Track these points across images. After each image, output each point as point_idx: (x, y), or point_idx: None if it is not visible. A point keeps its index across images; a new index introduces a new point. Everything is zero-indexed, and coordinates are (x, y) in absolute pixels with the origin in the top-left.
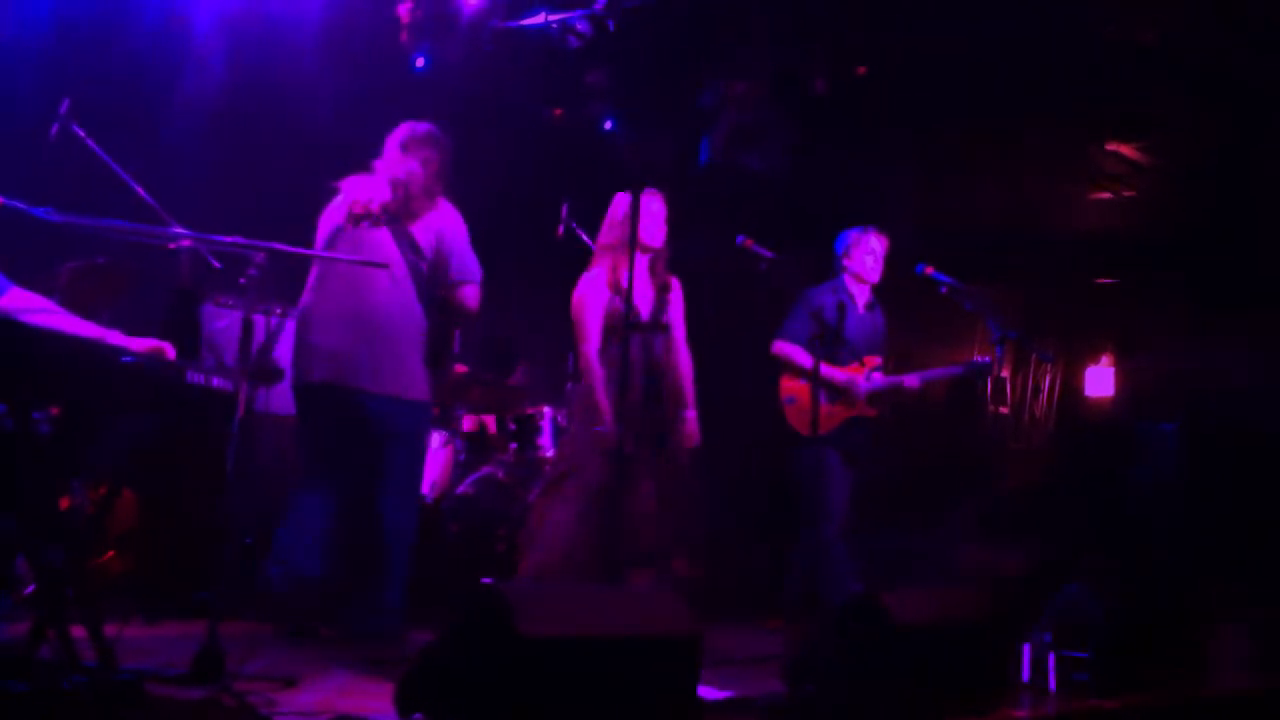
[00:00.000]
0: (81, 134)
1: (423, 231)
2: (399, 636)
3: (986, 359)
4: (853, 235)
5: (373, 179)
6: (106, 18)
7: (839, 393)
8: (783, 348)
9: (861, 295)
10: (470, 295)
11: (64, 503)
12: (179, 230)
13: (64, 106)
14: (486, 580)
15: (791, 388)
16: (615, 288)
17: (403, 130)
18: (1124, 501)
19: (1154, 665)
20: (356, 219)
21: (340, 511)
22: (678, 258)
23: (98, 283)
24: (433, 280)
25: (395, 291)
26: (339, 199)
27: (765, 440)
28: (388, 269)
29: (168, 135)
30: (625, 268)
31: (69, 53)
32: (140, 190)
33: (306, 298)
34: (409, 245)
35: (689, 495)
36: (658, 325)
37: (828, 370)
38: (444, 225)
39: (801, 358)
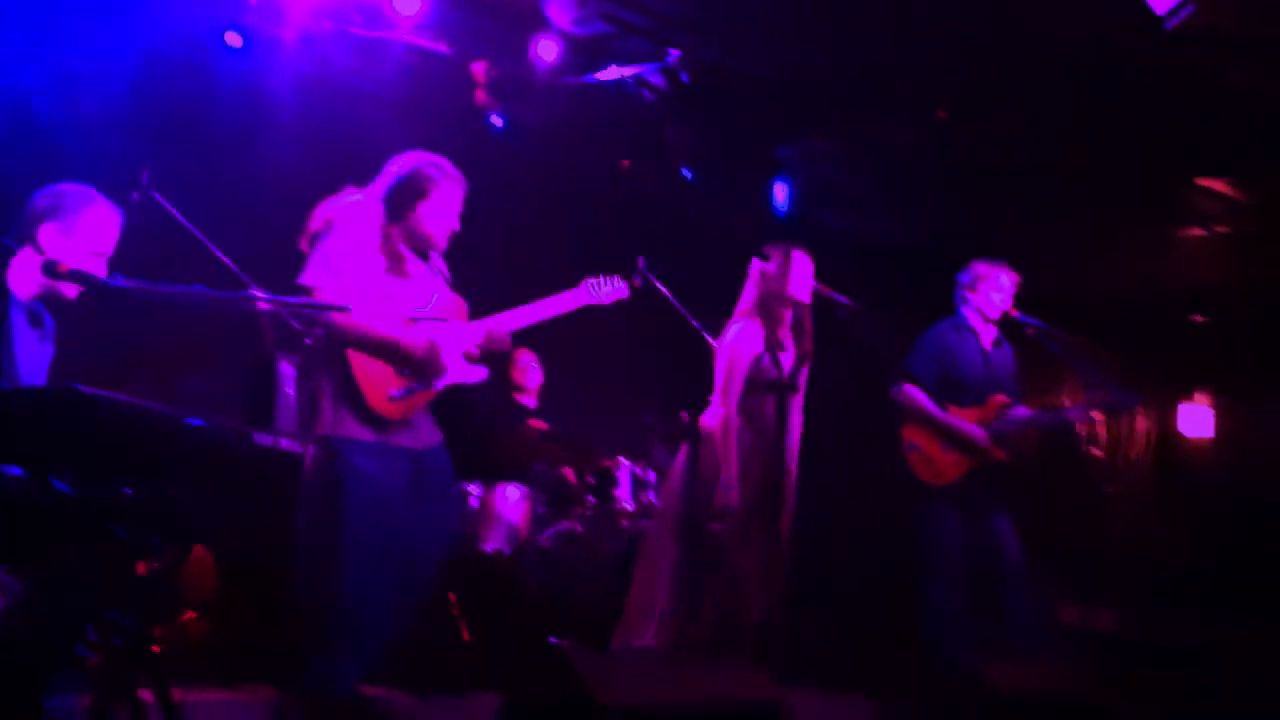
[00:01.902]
0: (163, 201)
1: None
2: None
3: (1129, 394)
4: (981, 268)
5: None
6: (184, 86)
7: (960, 439)
8: (904, 391)
9: (987, 331)
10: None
11: (141, 568)
12: (256, 293)
13: (145, 176)
14: (554, 641)
15: (914, 436)
16: (769, 344)
17: None
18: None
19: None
20: None
21: None
22: None
23: (177, 350)
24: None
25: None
26: None
27: (854, 495)
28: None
29: (245, 200)
30: (781, 324)
31: (147, 122)
32: (222, 255)
33: None
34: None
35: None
36: (794, 386)
37: (951, 416)
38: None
39: (924, 401)
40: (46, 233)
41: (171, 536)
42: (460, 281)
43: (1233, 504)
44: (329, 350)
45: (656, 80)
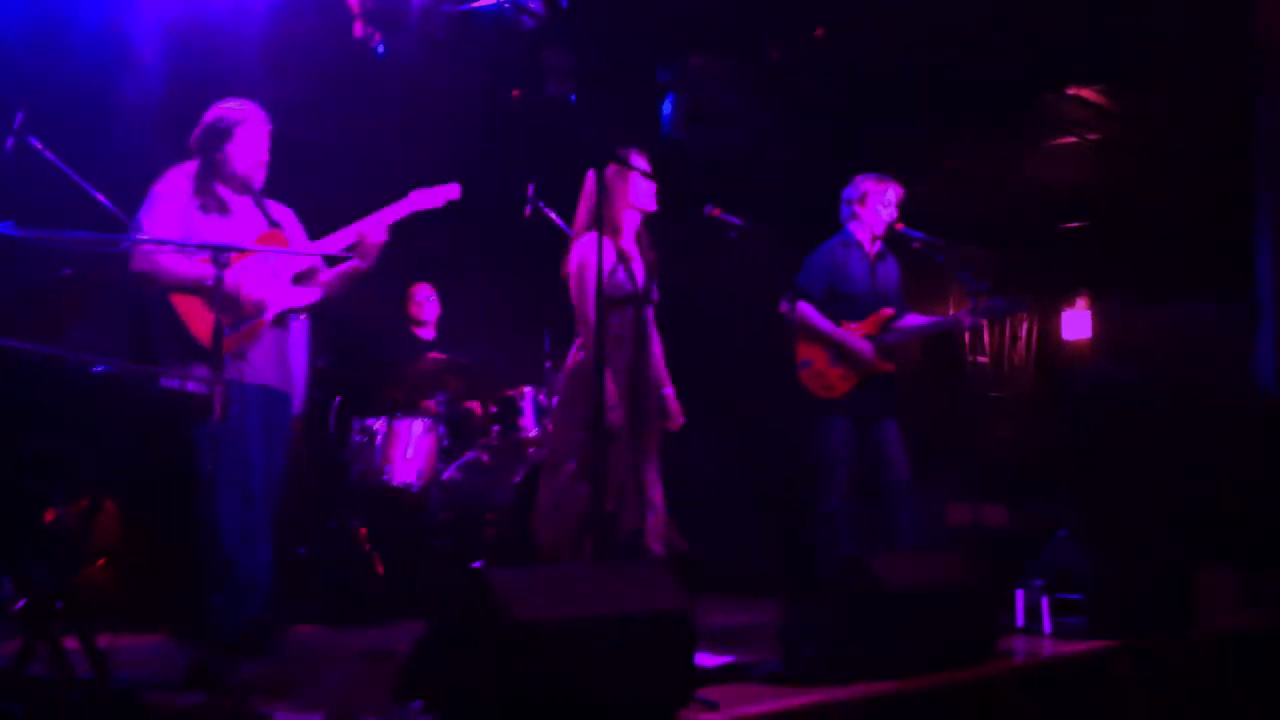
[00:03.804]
0: (39, 146)
1: None
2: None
3: (1013, 301)
4: (869, 184)
5: None
6: (44, 29)
7: (848, 353)
8: (795, 308)
9: (872, 246)
10: None
11: (48, 516)
12: (142, 237)
13: (18, 120)
14: (476, 565)
15: (806, 351)
16: (620, 256)
17: None
18: (1107, 448)
19: (1145, 607)
20: None
21: None
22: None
23: (65, 296)
24: None
25: None
26: None
27: (750, 410)
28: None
29: (117, 143)
30: (625, 237)
31: (7, 64)
32: (103, 199)
33: None
34: None
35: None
36: (649, 298)
37: (840, 330)
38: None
39: (814, 317)
40: None
41: (79, 485)
42: (351, 215)
43: (1110, 401)
44: (154, 297)
45: (535, 6)
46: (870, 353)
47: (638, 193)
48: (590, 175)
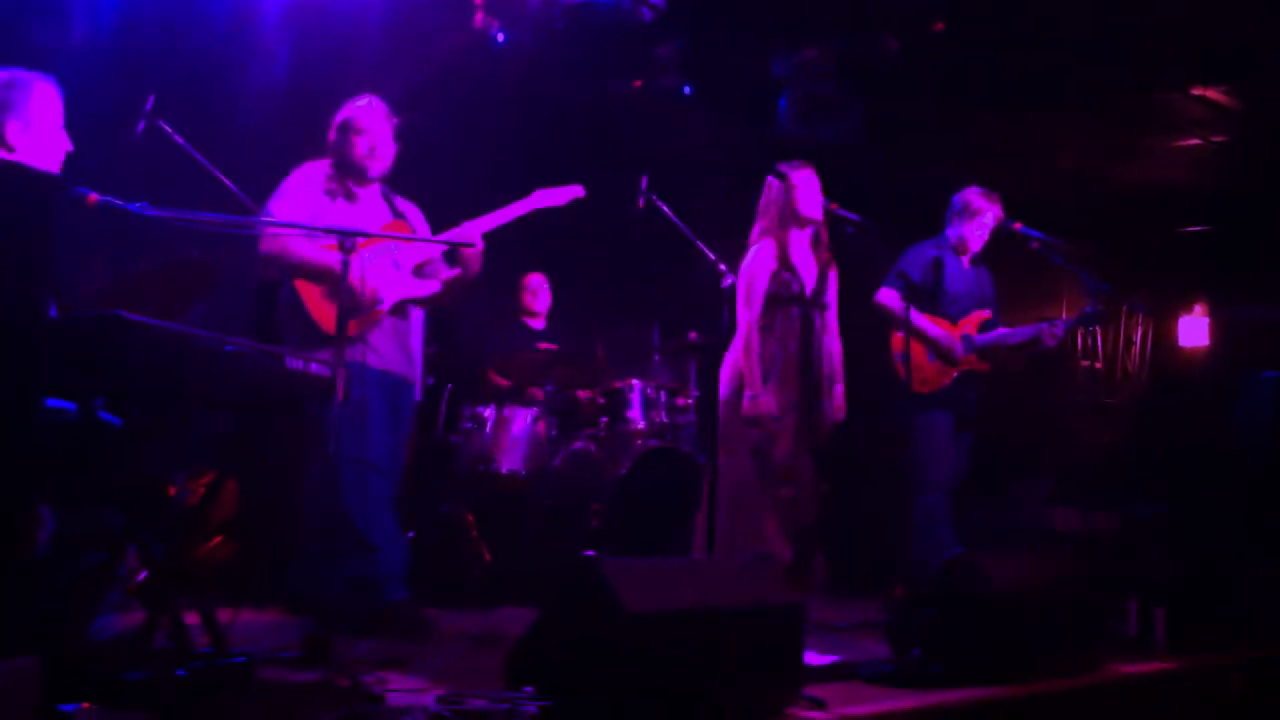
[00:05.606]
0: (168, 129)
1: None
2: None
3: (1097, 306)
4: (977, 201)
5: None
6: (172, 14)
7: (944, 351)
8: (887, 297)
9: (967, 253)
10: None
11: (170, 491)
12: (271, 219)
13: (149, 103)
14: (589, 554)
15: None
16: (784, 262)
17: None
18: (1219, 453)
19: (1252, 617)
20: None
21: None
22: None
23: (191, 276)
24: None
25: None
26: None
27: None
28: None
29: (240, 127)
30: (793, 244)
31: (138, 48)
32: (229, 183)
33: None
34: None
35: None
36: (819, 301)
37: (932, 327)
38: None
39: (916, 316)
40: (12, 131)
41: (204, 460)
42: (462, 206)
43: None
44: (280, 281)
45: None
46: (957, 343)
47: (807, 204)
48: (766, 189)
